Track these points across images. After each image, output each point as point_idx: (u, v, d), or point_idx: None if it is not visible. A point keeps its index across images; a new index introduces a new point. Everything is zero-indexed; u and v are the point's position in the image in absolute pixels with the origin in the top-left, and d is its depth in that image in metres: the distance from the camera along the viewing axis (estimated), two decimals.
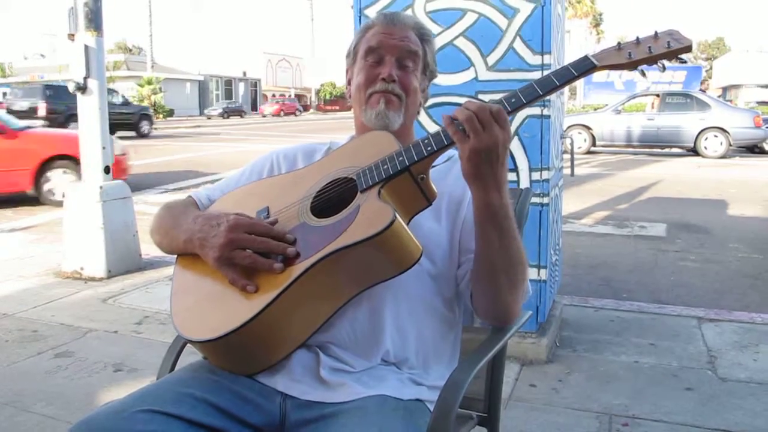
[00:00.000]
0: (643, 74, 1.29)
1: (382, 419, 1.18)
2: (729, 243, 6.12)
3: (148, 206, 7.40)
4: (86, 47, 4.64)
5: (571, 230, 6.46)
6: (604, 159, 14.73)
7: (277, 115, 46.86)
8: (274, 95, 58.67)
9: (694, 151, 14.97)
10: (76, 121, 8.44)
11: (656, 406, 2.71)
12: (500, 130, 1.18)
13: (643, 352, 3.28)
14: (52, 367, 3.12)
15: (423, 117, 3.06)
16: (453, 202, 1.43)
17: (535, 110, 2.99)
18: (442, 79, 2.98)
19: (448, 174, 1.45)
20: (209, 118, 41.82)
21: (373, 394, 1.25)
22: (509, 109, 1.21)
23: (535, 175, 3.05)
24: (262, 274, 1.25)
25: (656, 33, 1.25)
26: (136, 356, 3.25)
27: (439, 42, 2.96)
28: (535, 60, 2.97)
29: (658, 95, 16.13)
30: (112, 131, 5.90)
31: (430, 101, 1.97)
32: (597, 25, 53.42)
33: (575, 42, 47.21)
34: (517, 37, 2.97)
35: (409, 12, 3.01)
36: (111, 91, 20.72)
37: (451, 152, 1.23)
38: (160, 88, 39.05)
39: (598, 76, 23.63)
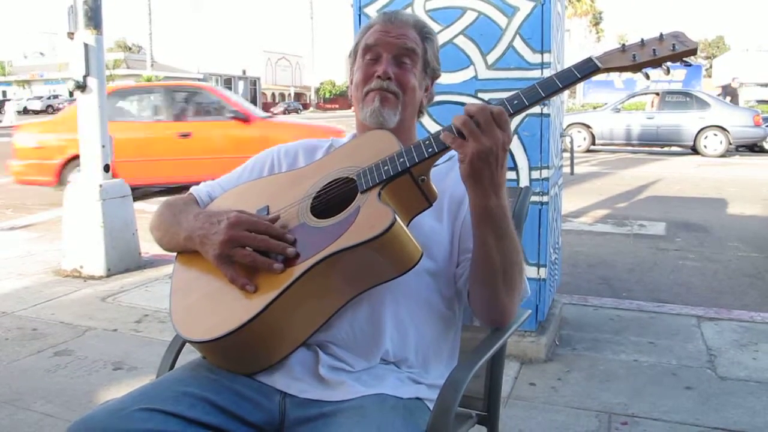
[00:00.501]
0: (647, 77, 1.29)
1: (382, 418, 1.18)
2: (728, 242, 6.12)
3: (148, 204, 7.41)
4: (86, 46, 4.63)
5: (571, 229, 6.46)
6: (603, 158, 14.72)
7: (283, 113, 48.42)
8: (274, 95, 58.72)
9: (693, 150, 14.96)
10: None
11: (655, 405, 2.71)
12: (501, 132, 1.17)
13: (642, 350, 3.27)
14: (52, 365, 3.12)
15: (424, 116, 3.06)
16: (454, 202, 1.42)
17: (534, 109, 2.98)
18: (441, 78, 2.96)
19: (449, 173, 1.44)
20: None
21: (372, 392, 1.25)
22: (511, 110, 1.21)
23: (535, 174, 3.05)
24: (261, 273, 1.24)
25: (661, 35, 1.23)
26: (136, 355, 3.25)
27: (438, 40, 2.94)
28: (535, 58, 2.96)
29: (657, 94, 16.12)
30: None
31: None
32: (597, 23, 53.43)
33: (575, 40, 47.30)
34: (517, 36, 2.97)
35: (408, 10, 3.01)
36: None
37: (453, 152, 1.23)
38: None
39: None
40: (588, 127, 15.87)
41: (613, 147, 16.19)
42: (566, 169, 4.72)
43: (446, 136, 1.19)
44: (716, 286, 4.71)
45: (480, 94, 3.02)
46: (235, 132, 8.54)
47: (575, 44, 45.27)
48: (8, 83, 56.94)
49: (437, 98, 3.07)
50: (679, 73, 30.59)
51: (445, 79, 3.03)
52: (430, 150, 1.22)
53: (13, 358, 3.21)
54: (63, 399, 2.77)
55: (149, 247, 4.96)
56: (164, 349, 1.50)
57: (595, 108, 21.70)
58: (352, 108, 1.55)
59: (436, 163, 1.29)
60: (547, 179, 3.07)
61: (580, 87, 34.72)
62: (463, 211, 1.40)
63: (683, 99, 15.72)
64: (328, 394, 1.25)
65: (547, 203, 3.10)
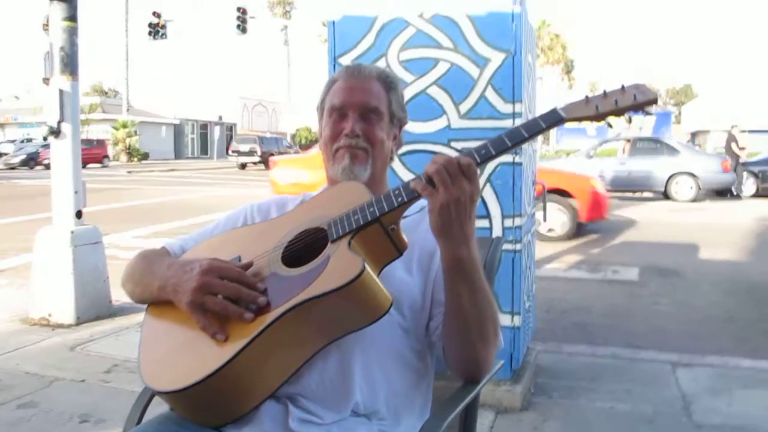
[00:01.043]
0: (610, 126, 1.32)
1: None
2: (701, 286, 6.19)
3: (119, 251, 7.32)
4: (61, 92, 4.62)
5: (545, 275, 6.48)
6: None
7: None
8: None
9: (665, 195, 15.23)
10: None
11: None
12: (468, 184, 1.19)
13: (618, 398, 3.27)
14: (15, 418, 3.03)
15: (397, 164, 3.08)
16: (425, 254, 1.43)
17: (507, 157, 3.02)
18: (415, 127, 3.01)
19: (419, 224, 1.45)
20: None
21: None
22: (478, 160, 1.23)
23: (508, 222, 3.08)
24: (232, 321, 1.24)
25: (623, 86, 1.27)
26: (104, 406, 3.17)
27: (412, 90, 3.00)
28: (507, 108, 3.02)
29: (628, 140, 16.45)
30: None
31: (403, 149, 1.98)
32: (569, 71, 54.72)
33: (547, 87, 48.26)
34: (489, 86, 3.02)
35: (382, 61, 3.06)
36: None
37: (423, 202, 1.24)
38: (136, 132, 39.01)
39: None
40: None
41: None
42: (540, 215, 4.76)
43: (417, 183, 1.21)
44: (690, 330, 4.74)
45: (453, 143, 3.06)
46: None
47: (547, 91, 46.21)
48: None
49: (410, 147, 3.13)
50: (648, 120, 31.30)
51: (418, 128, 3.06)
52: (399, 199, 1.24)
53: None
54: None
55: (120, 294, 4.86)
56: (134, 400, 1.46)
57: (568, 154, 22.03)
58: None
59: (407, 213, 1.30)
60: (519, 227, 3.10)
61: (553, 133, 35.39)
62: (436, 263, 1.40)
63: (653, 145, 16.09)
64: None
65: (520, 251, 3.12)
